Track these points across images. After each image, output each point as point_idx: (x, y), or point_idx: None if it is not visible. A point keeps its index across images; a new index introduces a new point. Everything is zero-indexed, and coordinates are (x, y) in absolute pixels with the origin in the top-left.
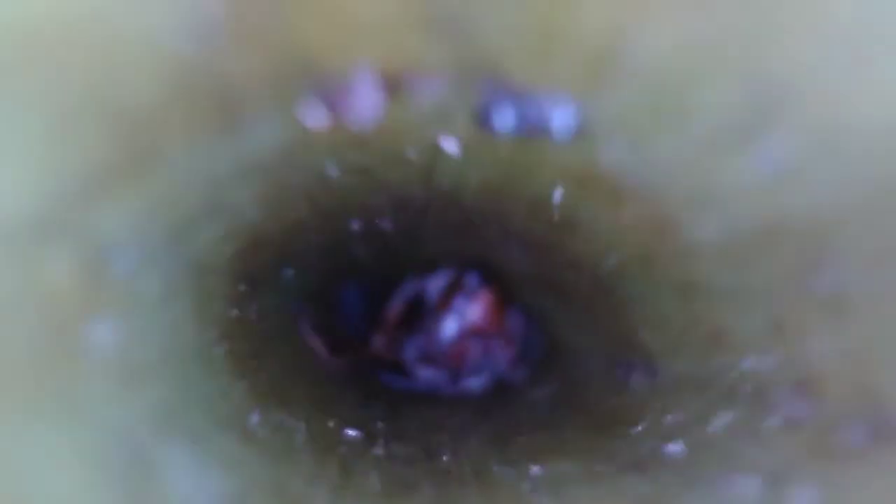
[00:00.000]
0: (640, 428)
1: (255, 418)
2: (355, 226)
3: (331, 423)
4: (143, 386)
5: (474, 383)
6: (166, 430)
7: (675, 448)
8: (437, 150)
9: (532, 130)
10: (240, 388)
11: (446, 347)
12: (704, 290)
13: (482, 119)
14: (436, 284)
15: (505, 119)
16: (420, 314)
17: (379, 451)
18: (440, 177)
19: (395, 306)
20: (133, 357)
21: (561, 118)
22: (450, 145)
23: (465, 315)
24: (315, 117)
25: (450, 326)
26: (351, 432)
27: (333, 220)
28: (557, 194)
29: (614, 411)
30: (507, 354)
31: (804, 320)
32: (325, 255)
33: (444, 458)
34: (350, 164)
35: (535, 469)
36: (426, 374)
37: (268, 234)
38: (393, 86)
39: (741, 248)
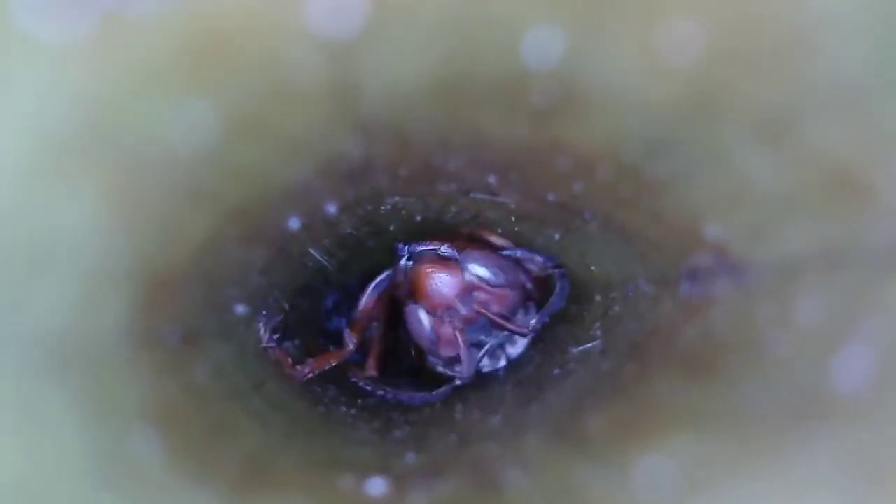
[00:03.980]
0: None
1: None
2: (293, 223)
3: (346, 481)
4: None
5: (504, 359)
6: None
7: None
8: (344, 48)
9: None
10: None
11: (430, 336)
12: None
13: None
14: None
15: None
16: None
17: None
18: (369, 100)
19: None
20: None
21: None
22: (346, 16)
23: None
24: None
25: (425, 310)
26: (375, 484)
27: (259, 221)
28: (546, 49)
29: (711, 336)
30: (527, 310)
31: None
32: (273, 272)
33: (508, 479)
34: (227, 111)
35: (650, 461)
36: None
37: (175, 266)
38: None
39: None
